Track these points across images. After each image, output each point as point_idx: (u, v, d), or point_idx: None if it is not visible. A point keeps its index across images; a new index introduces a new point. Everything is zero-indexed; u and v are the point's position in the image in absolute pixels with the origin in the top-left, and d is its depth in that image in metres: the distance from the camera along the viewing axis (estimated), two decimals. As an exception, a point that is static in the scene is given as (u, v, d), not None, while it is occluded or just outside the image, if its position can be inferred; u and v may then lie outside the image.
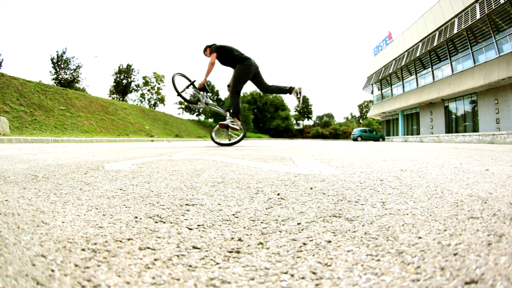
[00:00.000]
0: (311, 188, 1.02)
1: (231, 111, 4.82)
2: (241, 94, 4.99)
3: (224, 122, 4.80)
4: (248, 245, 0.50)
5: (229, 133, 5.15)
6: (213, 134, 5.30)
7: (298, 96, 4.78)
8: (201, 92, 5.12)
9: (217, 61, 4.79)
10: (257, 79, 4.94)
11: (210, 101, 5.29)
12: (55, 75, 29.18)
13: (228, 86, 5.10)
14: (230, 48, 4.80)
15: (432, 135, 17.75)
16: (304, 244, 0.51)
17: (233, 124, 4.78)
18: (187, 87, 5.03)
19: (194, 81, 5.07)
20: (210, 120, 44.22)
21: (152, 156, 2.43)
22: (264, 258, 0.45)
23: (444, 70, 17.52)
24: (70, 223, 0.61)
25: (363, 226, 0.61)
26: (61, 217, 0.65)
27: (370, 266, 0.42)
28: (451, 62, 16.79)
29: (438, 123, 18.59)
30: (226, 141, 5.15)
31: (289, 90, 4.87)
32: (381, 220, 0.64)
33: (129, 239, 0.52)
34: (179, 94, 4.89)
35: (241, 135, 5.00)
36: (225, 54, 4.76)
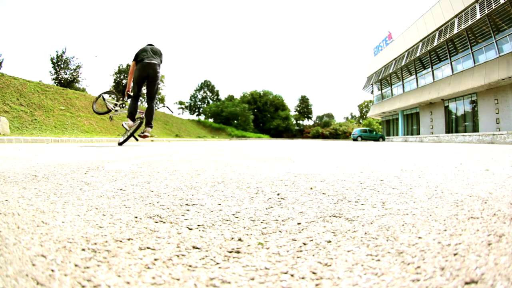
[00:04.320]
0: (311, 188, 1.02)
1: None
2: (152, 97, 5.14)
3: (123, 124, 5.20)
4: (248, 245, 0.50)
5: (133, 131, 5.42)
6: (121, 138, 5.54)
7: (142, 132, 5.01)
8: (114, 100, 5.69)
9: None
10: (148, 87, 4.97)
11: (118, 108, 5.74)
12: (55, 75, 29.19)
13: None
14: (141, 49, 4.97)
15: (432, 135, 17.75)
16: (304, 244, 0.51)
17: (126, 125, 5.13)
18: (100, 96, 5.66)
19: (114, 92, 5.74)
20: (210, 120, 44.25)
21: (152, 156, 2.43)
22: (264, 258, 0.45)
23: (444, 70, 17.52)
24: (70, 223, 0.61)
25: (363, 226, 0.61)
26: (61, 217, 0.65)
27: (370, 266, 0.42)
28: (451, 62, 16.79)
29: (438, 123, 18.58)
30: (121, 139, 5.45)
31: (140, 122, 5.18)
32: (381, 220, 0.64)
33: (129, 239, 0.52)
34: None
35: (128, 134, 5.28)
36: (137, 57, 4.92)
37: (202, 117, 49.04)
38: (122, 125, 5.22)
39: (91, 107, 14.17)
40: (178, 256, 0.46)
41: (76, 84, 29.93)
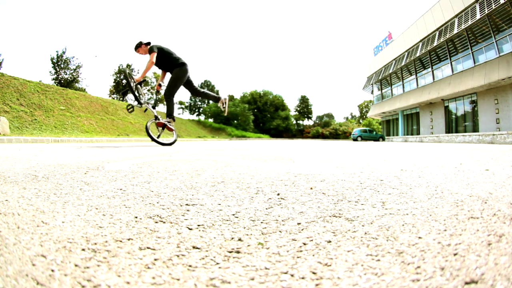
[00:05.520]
0: (311, 188, 1.02)
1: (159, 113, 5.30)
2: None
3: (162, 121, 5.06)
4: (248, 245, 0.50)
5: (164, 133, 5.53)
6: (150, 132, 5.03)
7: (224, 106, 5.18)
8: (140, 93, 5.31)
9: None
10: (189, 84, 5.20)
11: (145, 100, 5.45)
12: (55, 75, 29.19)
13: (159, 85, 5.29)
14: (169, 51, 4.92)
15: (432, 135, 17.75)
16: (304, 244, 0.51)
17: (170, 125, 5.10)
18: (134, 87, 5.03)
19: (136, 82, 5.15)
20: (210, 120, 44.22)
21: (152, 156, 2.43)
22: (264, 258, 0.45)
23: (444, 70, 17.52)
24: (70, 223, 0.61)
25: (363, 226, 0.61)
26: (61, 217, 0.65)
27: (370, 266, 0.42)
28: (451, 62, 16.79)
29: (438, 123, 18.59)
30: (165, 140, 5.34)
31: (218, 99, 5.23)
32: (381, 220, 0.64)
33: (129, 239, 0.52)
34: (131, 90, 4.89)
35: (174, 137, 5.35)
36: (163, 57, 4.86)
37: (202, 117, 49.04)
38: (164, 124, 5.07)
39: (92, 107, 14.18)
40: (178, 256, 0.46)
41: (76, 84, 29.93)
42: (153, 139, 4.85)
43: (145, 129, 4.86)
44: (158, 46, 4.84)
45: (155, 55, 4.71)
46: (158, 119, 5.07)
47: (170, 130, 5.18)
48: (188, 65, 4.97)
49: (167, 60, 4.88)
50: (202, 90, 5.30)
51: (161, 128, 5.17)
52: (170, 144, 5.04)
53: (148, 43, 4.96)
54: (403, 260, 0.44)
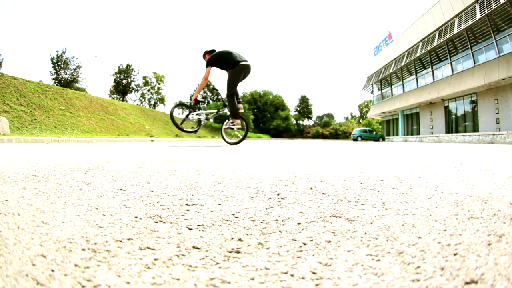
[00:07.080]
0: (311, 188, 1.02)
1: (228, 113, 5.22)
2: (240, 94, 5.31)
3: (226, 126, 5.45)
4: (248, 245, 0.50)
5: (235, 132, 5.75)
6: (224, 135, 5.79)
7: (233, 124, 5.34)
8: (199, 111, 5.65)
9: (212, 69, 5.01)
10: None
11: (207, 112, 5.78)
12: (55, 75, 29.24)
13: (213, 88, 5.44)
14: (225, 53, 4.94)
15: (432, 135, 17.76)
16: (304, 244, 0.51)
17: (233, 125, 5.32)
18: (186, 117, 5.57)
19: (192, 105, 5.54)
20: (210, 120, 44.18)
21: (152, 156, 2.43)
22: (264, 258, 0.45)
23: (444, 70, 17.53)
24: (70, 223, 0.61)
25: (363, 226, 0.61)
26: (61, 217, 0.65)
27: (370, 266, 0.42)
28: (451, 62, 16.80)
29: (438, 123, 18.59)
30: (234, 140, 5.75)
31: (233, 115, 5.05)
32: (381, 220, 0.64)
33: (129, 239, 0.52)
34: (179, 128, 5.36)
35: (244, 134, 5.46)
36: (220, 61, 4.95)
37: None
38: (230, 127, 5.41)
39: (92, 106, 14.19)
40: (178, 256, 0.46)
41: (76, 84, 29.98)
42: (227, 142, 5.61)
43: (222, 138, 5.63)
44: (214, 55, 4.91)
45: (209, 70, 4.92)
46: (226, 122, 5.44)
47: (239, 129, 5.40)
48: (243, 65, 4.78)
49: (223, 62, 4.90)
50: (233, 99, 4.97)
51: (230, 130, 5.59)
52: (236, 143, 5.47)
53: (211, 51, 5.11)
54: (403, 260, 0.44)
